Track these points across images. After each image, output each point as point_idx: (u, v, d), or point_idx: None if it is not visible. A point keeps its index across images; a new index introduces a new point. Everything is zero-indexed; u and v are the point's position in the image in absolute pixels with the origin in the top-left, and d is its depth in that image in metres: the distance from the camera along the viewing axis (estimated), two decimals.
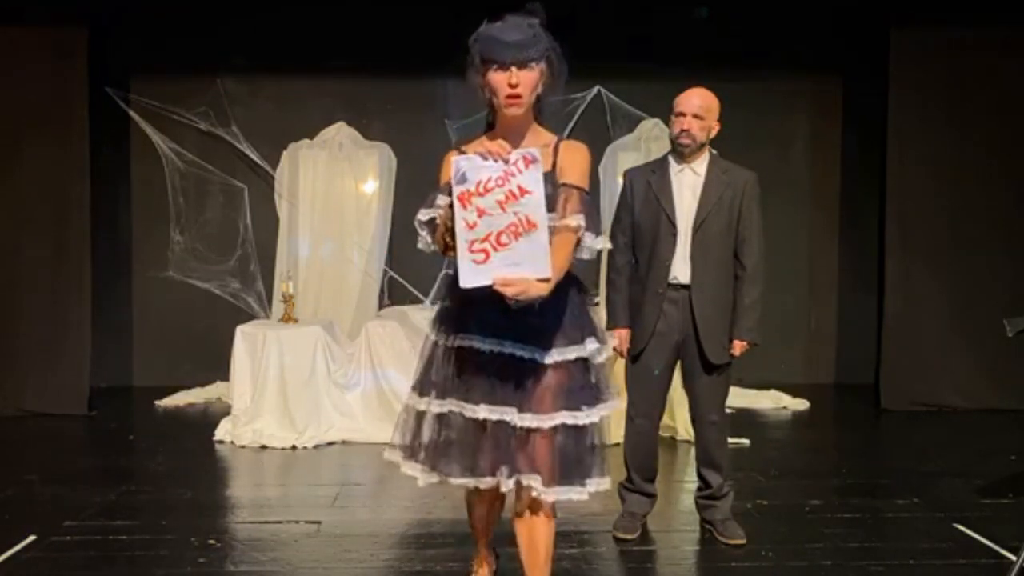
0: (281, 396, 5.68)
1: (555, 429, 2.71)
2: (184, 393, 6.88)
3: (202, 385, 6.98)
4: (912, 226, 6.71)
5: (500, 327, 2.70)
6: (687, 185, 3.80)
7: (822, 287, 7.62)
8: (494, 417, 2.69)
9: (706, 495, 4.04)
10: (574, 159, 2.75)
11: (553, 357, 2.72)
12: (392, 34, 6.89)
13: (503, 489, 2.73)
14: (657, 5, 6.97)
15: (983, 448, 5.68)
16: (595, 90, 7.03)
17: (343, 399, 5.81)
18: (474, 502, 3.03)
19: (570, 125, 6.99)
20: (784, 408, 6.76)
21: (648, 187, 3.83)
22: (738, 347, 3.87)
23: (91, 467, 5.34)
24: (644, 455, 4.02)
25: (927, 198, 6.69)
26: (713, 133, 3.81)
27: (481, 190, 2.51)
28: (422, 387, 2.85)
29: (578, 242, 2.65)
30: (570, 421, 2.71)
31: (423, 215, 2.67)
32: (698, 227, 3.77)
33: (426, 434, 2.84)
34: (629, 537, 3.95)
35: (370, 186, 7.16)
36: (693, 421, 4.06)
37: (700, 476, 4.05)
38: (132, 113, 7.11)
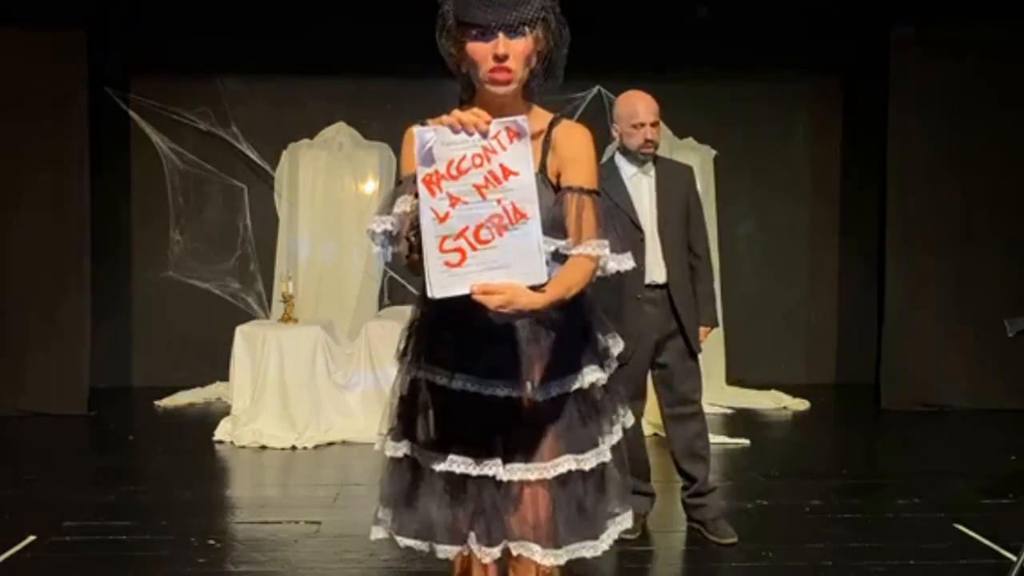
0: (281, 396, 5.68)
1: (559, 479, 2.15)
2: (184, 393, 6.87)
3: (202, 385, 6.97)
4: (913, 226, 6.71)
5: (477, 358, 2.12)
6: (644, 187, 3.86)
7: (822, 287, 7.62)
8: (472, 472, 2.13)
9: (693, 492, 4.02)
10: (578, 150, 2.15)
11: (548, 392, 2.15)
12: (392, 34, 6.88)
13: (482, 559, 2.16)
14: (658, 5, 6.97)
15: (983, 448, 5.68)
16: (595, 90, 7.02)
17: (343, 399, 5.81)
18: None
19: None
20: (784, 408, 6.76)
21: (604, 196, 3.83)
22: (704, 333, 3.99)
23: (91, 467, 5.35)
24: (635, 454, 4.00)
25: (927, 198, 6.68)
26: None
27: (453, 171, 1.96)
28: (385, 423, 2.33)
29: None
30: (575, 466, 2.16)
31: (376, 225, 2.06)
32: (663, 225, 3.83)
33: (386, 480, 2.31)
34: (630, 537, 3.95)
35: (370, 186, 7.16)
36: (672, 417, 4.00)
37: (683, 473, 4.03)
38: (132, 113, 7.10)
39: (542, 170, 2.13)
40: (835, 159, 7.57)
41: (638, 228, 3.79)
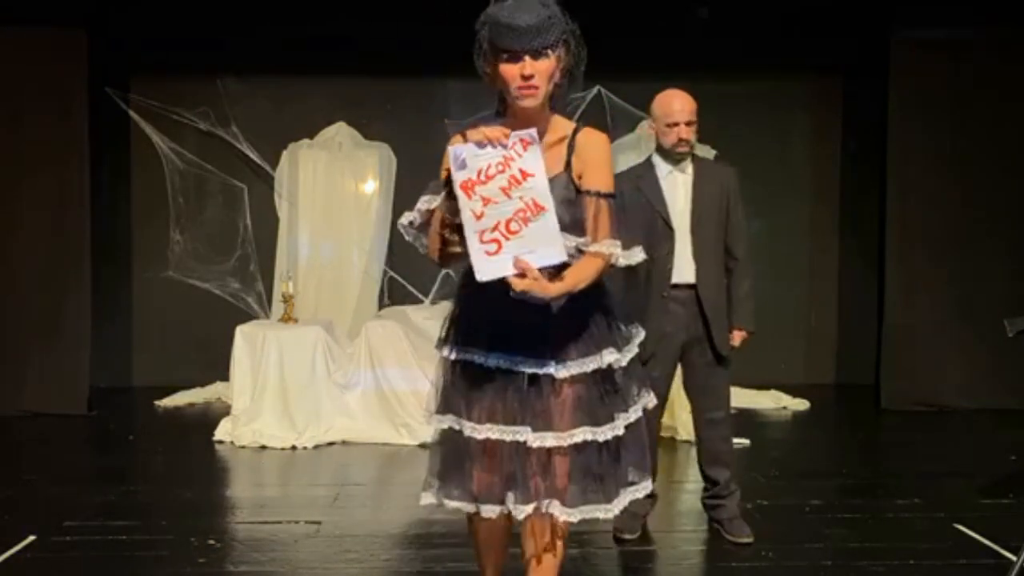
0: (281, 396, 5.68)
1: (576, 447, 2.49)
2: (184, 393, 6.87)
3: (202, 385, 6.97)
4: (912, 226, 6.71)
5: (509, 340, 2.49)
6: (679, 186, 3.83)
7: (822, 287, 7.62)
8: (506, 438, 2.48)
9: (712, 494, 4.04)
10: (598, 157, 2.54)
11: (569, 370, 2.50)
12: (392, 34, 6.89)
13: (518, 516, 2.50)
14: (658, 5, 6.97)
15: (983, 448, 5.68)
16: (595, 90, 7.03)
17: (343, 399, 5.80)
18: (478, 534, 2.72)
19: None
20: (784, 408, 6.76)
21: (638, 192, 3.81)
22: (738, 336, 3.92)
23: (91, 467, 5.35)
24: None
25: (927, 198, 6.68)
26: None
27: (483, 178, 2.38)
28: (431, 402, 2.68)
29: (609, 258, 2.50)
30: (591, 437, 2.49)
31: (404, 218, 2.53)
32: (695, 226, 3.79)
33: (434, 452, 2.67)
34: (629, 537, 3.95)
35: (370, 186, 7.16)
36: (697, 420, 4.01)
37: (706, 476, 4.04)
38: (132, 113, 7.10)
39: (567, 168, 2.51)
40: (835, 159, 7.57)
41: (669, 227, 3.77)
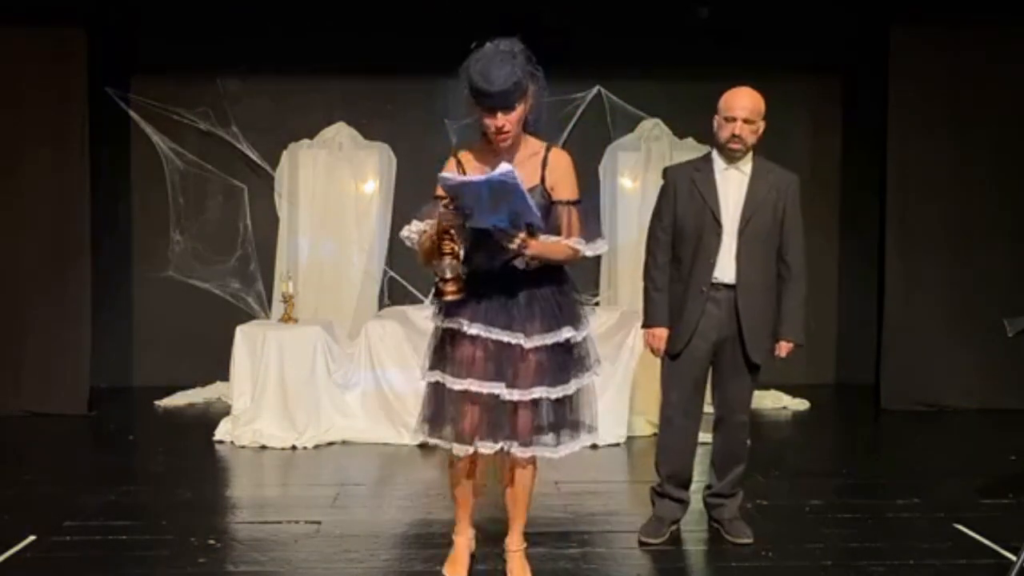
0: (281, 396, 5.68)
1: (534, 401, 3.18)
2: (184, 393, 6.87)
3: (202, 385, 6.98)
4: (912, 226, 6.71)
5: (490, 315, 3.16)
6: (733, 184, 3.77)
7: (822, 287, 7.60)
8: (484, 391, 3.15)
9: (715, 492, 4.03)
10: (563, 174, 3.18)
11: (534, 342, 3.17)
12: (392, 34, 6.89)
13: (485, 452, 3.20)
14: (658, 5, 6.96)
15: (983, 448, 5.68)
16: (595, 90, 7.02)
17: (343, 399, 5.80)
18: (455, 473, 3.42)
19: (570, 125, 7.00)
20: (784, 408, 6.76)
21: (692, 185, 3.77)
22: (784, 348, 3.87)
23: (91, 467, 5.35)
24: (679, 458, 3.95)
25: (927, 198, 6.68)
26: (760, 133, 3.77)
27: None
28: (425, 361, 3.34)
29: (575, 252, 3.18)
30: (545, 395, 3.19)
31: (405, 231, 3.22)
32: (744, 226, 3.74)
33: (425, 401, 3.32)
34: (653, 542, 3.92)
35: (370, 186, 7.16)
36: (719, 420, 3.98)
37: (716, 474, 4.03)
38: (132, 113, 7.10)
39: (543, 182, 3.17)
40: (835, 159, 7.57)
41: (718, 223, 3.72)
